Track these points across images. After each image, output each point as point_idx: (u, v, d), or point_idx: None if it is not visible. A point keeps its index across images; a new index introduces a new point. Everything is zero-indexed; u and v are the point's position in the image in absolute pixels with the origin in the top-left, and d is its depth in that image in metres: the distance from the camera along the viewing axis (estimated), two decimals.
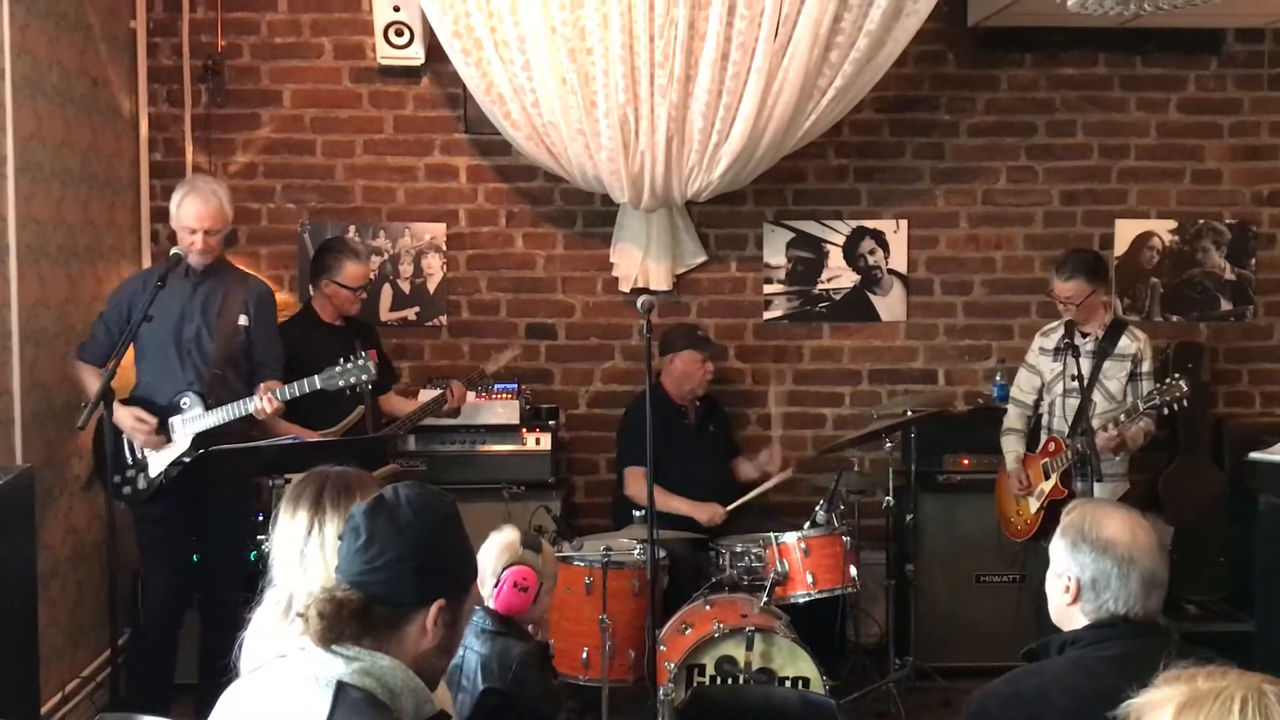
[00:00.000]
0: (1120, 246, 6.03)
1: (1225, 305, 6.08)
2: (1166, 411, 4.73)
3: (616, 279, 5.93)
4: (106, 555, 4.41)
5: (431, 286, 5.93)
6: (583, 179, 5.51)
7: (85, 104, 5.07)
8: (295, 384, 4.50)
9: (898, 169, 6.02)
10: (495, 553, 3.31)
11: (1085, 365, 4.83)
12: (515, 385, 5.64)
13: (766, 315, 6.03)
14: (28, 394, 4.49)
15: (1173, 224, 6.05)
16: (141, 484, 4.55)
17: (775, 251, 6.00)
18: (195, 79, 5.77)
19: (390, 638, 1.94)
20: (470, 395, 5.37)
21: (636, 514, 4.86)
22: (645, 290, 5.72)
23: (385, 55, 5.65)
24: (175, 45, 5.76)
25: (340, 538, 2.01)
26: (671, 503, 5.14)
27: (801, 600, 4.70)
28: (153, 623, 4.71)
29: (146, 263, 5.60)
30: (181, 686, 4.68)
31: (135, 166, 5.65)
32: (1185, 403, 4.65)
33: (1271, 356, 6.13)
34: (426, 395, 5.30)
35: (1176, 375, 4.75)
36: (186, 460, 4.52)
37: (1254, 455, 5.07)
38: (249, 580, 3.95)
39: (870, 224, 6.00)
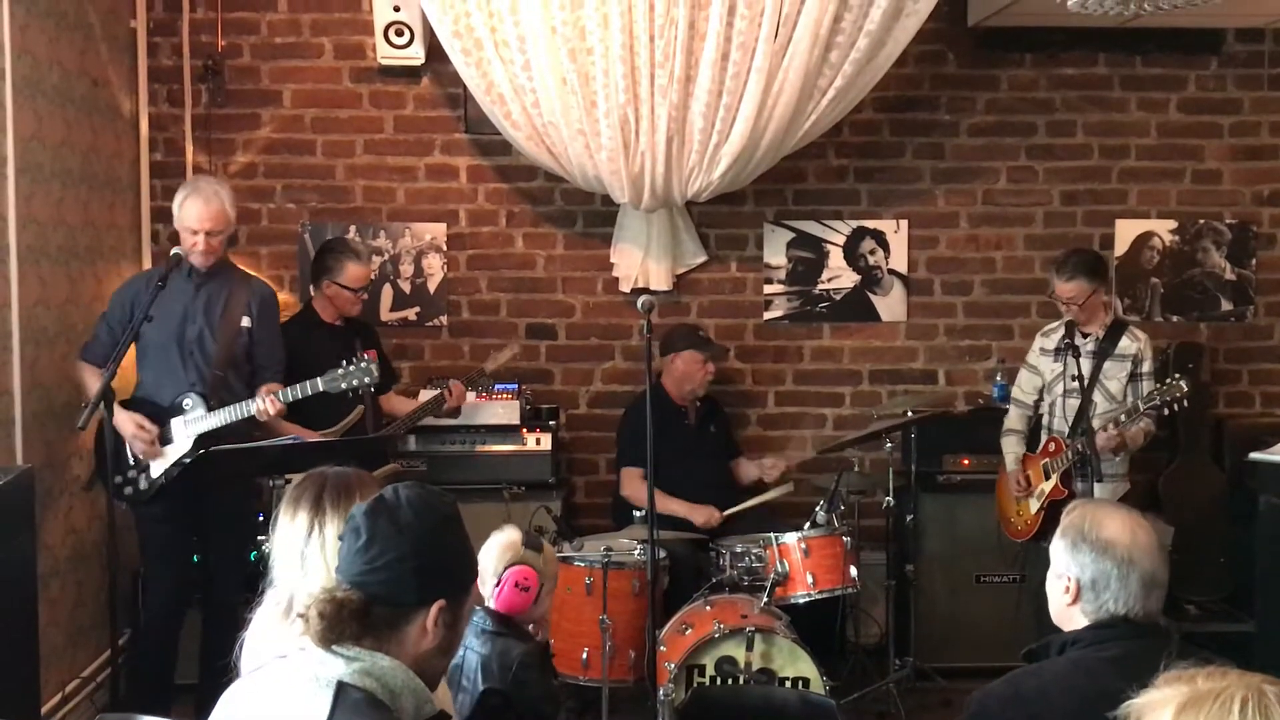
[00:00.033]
0: (1120, 246, 6.03)
1: (1225, 305, 6.08)
2: (1167, 412, 4.73)
3: (617, 279, 5.93)
4: (106, 555, 4.41)
5: (432, 286, 5.93)
6: (583, 179, 5.51)
7: (85, 104, 5.07)
8: (297, 386, 4.51)
9: (898, 169, 6.02)
10: (497, 552, 3.31)
11: (1086, 365, 4.83)
12: (516, 385, 5.64)
13: (767, 315, 6.03)
14: (28, 394, 4.49)
15: (1173, 224, 6.05)
16: (143, 485, 4.55)
17: (775, 251, 6.00)
18: (195, 79, 5.77)
19: (391, 638, 1.94)
20: (471, 395, 5.37)
21: (637, 514, 4.86)
22: (645, 290, 5.72)
23: (385, 55, 5.65)
24: (175, 45, 5.76)
25: (340, 538, 2.01)
26: (668, 504, 5.14)
27: (802, 600, 4.70)
28: (153, 623, 4.72)
29: (147, 263, 5.61)
30: (182, 687, 4.69)
31: (135, 167, 5.65)
32: (1186, 403, 4.65)
33: (1272, 357, 6.13)
34: (426, 395, 5.30)
35: (1177, 375, 4.74)
36: (187, 460, 4.52)
37: (1254, 455, 5.07)
38: (250, 580, 3.95)
39: (870, 224, 6.00)
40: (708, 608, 4.58)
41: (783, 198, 6.00)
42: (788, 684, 4.36)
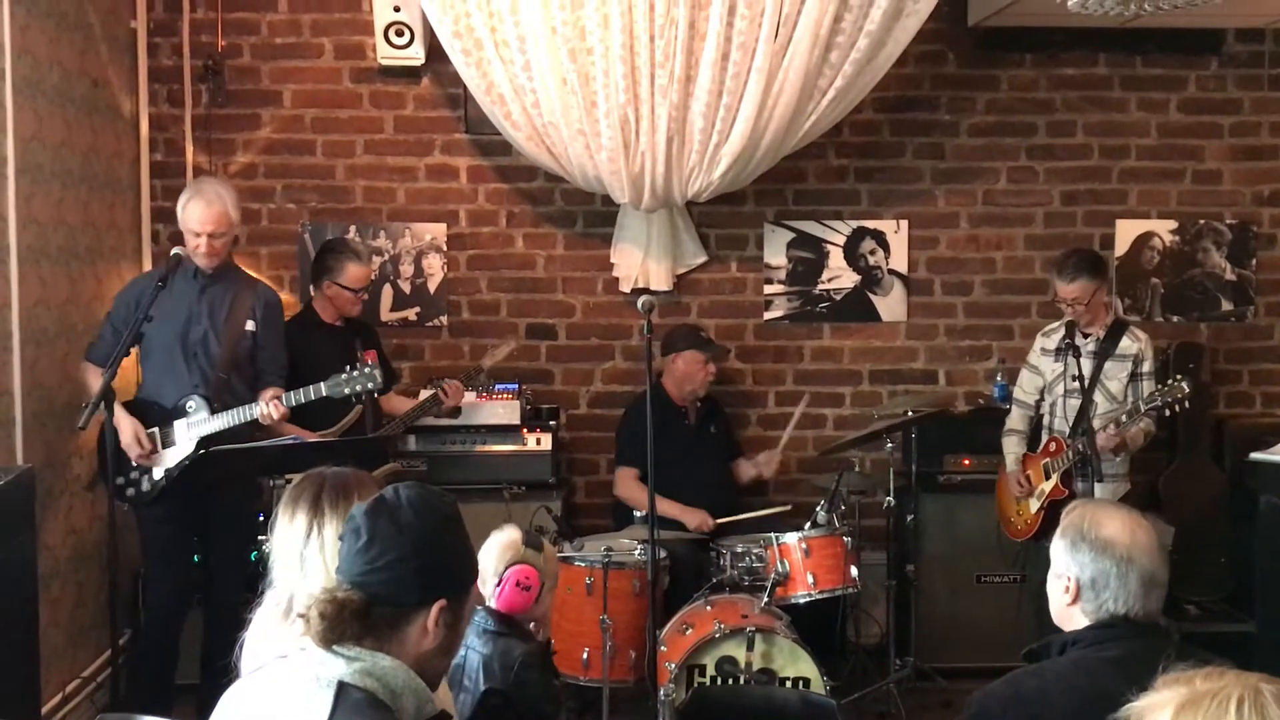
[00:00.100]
0: (1121, 247, 6.03)
1: (1226, 305, 6.08)
2: (1168, 413, 4.73)
3: (617, 279, 5.93)
4: (107, 556, 4.41)
5: (432, 287, 5.93)
6: (583, 179, 5.52)
7: (86, 104, 5.07)
8: (300, 391, 4.51)
9: (898, 169, 6.02)
10: (497, 552, 3.31)
11: (1086, 366, 4.83)
12: (516, 385, 5.64)
13: (767, 315, 6.03)
14: (28, 394, 4.50)
15: (1173, 224, 6.05)
16: (145, 486, 4.55)
17: (776, 252, 6.00)
18: (195, 79, 5.77)
19: (391, 638, 1.94)
20: (470, 395, 5.37)
21: (637, 515, 4.87)
22: (646, 290, 5.72)
23: (386, 55, 5.65)
24: (175, 45, 5.76)
25: (341, 538, 2.01)
26: (662, 505, 5.12)
27: (802, 600, 4.70)
28: (154, 623, 4.72)
29: (147, 263, 5.61)
30: (183, 687, 4.68)
31: (136, 167, 5.65)
32: (1187, 404, 4.65)
33: (1272, 357, 6.13)
34: (426, 395, 5.30)
35: (1178, 376, 4.74)
36: (188, 462, 4.52)
37: (1254, 456, 5.08)
38: (250, 581, 3.96)
39: (871, 224, 6.01)
40: (708, 608, 4.58)
41: (783, 198, 6.00)
42: (788, 684, 4.36)
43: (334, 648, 1.90)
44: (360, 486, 2.42)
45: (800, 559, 4.69)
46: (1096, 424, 4.73)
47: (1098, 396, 4.86)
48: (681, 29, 5.15)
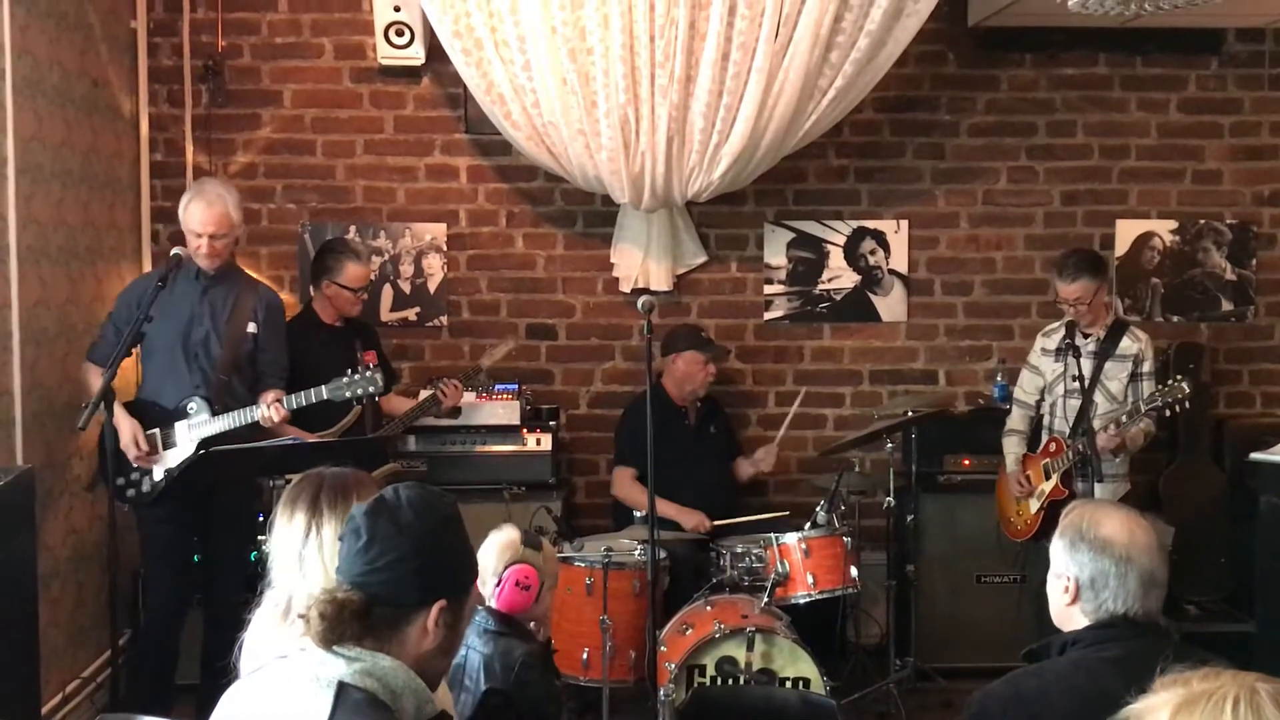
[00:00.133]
0: (1121, 247, 6.03)
1: (1226, 306, 6.08)
2: (1168, 413, 4.73)
3: (617, 279, 5.93)
4: (107, 556, 4.41)
5: (432, 287, 5.93)
6: (583, 179, 5.52)
7: (86, 104, 5.07)
8: (302, 394, 4.52)
9: (898, 169, 6.02)
10: (496, 552, 3.31)
11: (1086, 366, 4.83)
12: (516, 386, 5.64)
13: (767, 316, 6.03)
14: (28, 395, 4.50)
15: (1173, 224, 6.05)
16: (145, 487, 4.55)
17: (776, 252, 6.00)
18: (196, 79, 5.77)
19: (391, 638, 1.94)
20: (470, 395, 5.37)
21: (637, 515, 4.87)
22: (646, 290, 5.72)
23: (386, 55, 5.65)
24: (176, 45, 5.76)
25: (340, 539, 2.01)
26: (659, 506, 5.11)
27: (802, 601, 4.70)
28: (154, 623, 4.72)
29: (147, 263, 5.61)
30: (183, 687, 4.68)
31: (136, 167, 5.65)
32: (1187, 404, 4.65)
33: (1272, 357, 6.13)
34: (425, 396, 5.30)
35: (1179, 376, 4.74)
36: (187, 462, 4.52)
37: (1255, 456, 5.08)
38: (250, 581, 3.96)
39: (871, 224, 6.00)
40: (708, 608, 4.58)
41: (783, 198, 6.00)
42: (788, 684, 4.36)
43: (334, 648, 1.90)
44: (359, 487, 2.42)
45: (800, 559, 4.69)
46: (1096, 424, 4.73)
47: (1098, 397, 4.86)
48: (682, 29, 5.15)
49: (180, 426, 4.54)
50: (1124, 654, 2.35)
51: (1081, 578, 2.46)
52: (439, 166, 5.91)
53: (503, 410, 5.54)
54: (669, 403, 5.44)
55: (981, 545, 5.47)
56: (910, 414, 5.32)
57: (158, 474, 4.54)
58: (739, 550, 4.82)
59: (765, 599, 4.56)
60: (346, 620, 1.89)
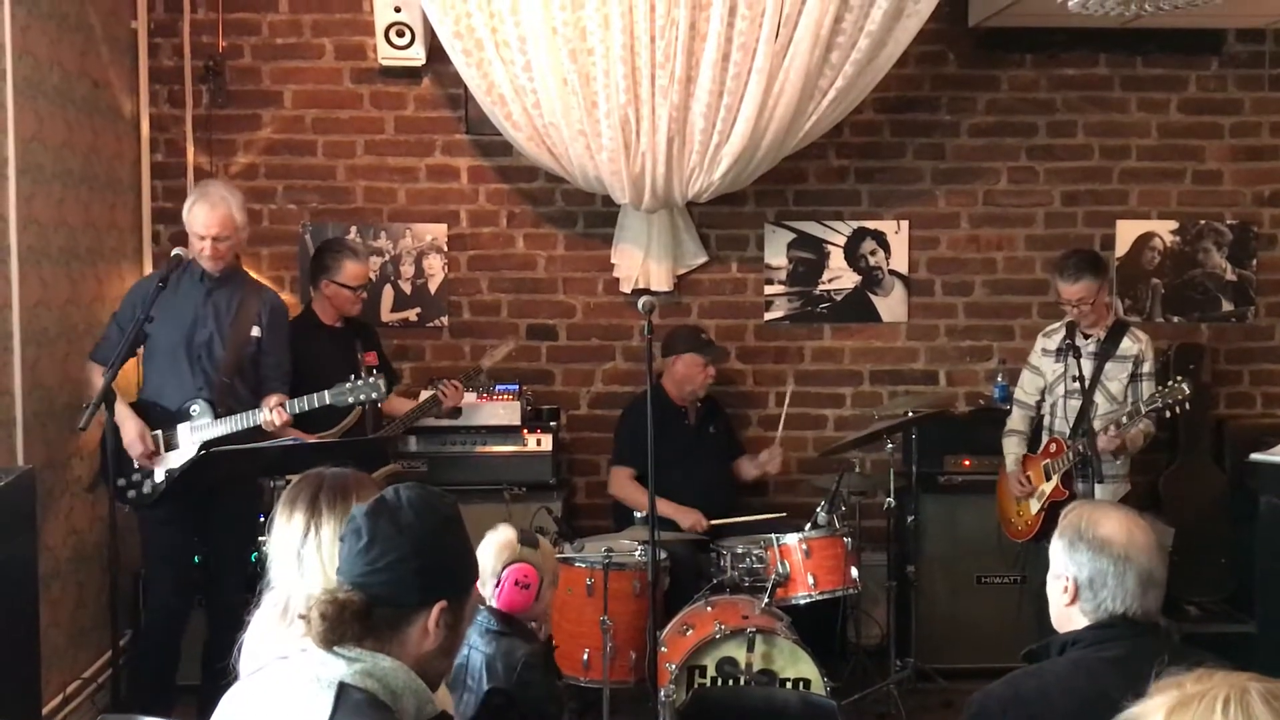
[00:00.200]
0: (1121, 247, 6.03)
1: (1226, 306, 6.08)
2: (1168, 414, 4.73)
3: (617, 280, 5.93)
4: (108, 556, 4.40)
5: (433, 287, 5.93)
6: (584, 180, 5.52)
7: (86, 105, 5.08)
8: (305, 398, 4.52)
9: (898, 170, 6.02)
10: (494, 552, 3.31)
11: (1087, 366, 4.83)
12: (516, 386, 5.64)
13: (767, 316, 6.03)
14: (29, 395, 4.50)
15: (1174, 225, 6.05)
16: (146, 489, 4.55)
17: (776, 252, 6.00)
18: (196, 80, 5.77)
19: (392, 639, 1.94)
20: (470, 396, 5.37)
21: (637, 515, 4.87)
22: (646, 291, 5.72)
23: (386, 56, 5.65)
24: (176, 46, 5.76)
25: (341, 539, 2.01)
26: (656, 505, 5.12)
27: (803, 601, 4.70)
28: (155, 624, 4.72)
29: (148, 263, 5.61)
30: (184, 688, 4.69)
31: (136, 168, 5.65)
32: (1187, 405, 4.65)
33: (1272, 357, 6.12)
34: (426, 396, 5.30)
35: (1179, 378, 4.73)
36: (188, 463, 4.53)
37: (1255, 456, 5.08)
38: (252, 581, 3.95)
39: (871, 224, 6.01)
40: (709, 609, 4.58)
41: (783, 198, 6.00)
42: (789, 685, 4.36)
43: (335, 649, 1.90)
44: (359, 487, 2.42)
45: (801, 560, 4.69)
46: (1097, 425, 4.73)
47: (1098, 397, 4.86)
48: (682, 29, 5.15)
49: (183, 428, 4.54)
50: (1123, 654, 2.35)
51: (1080, 578, 2.46)
52: (440, 167, 5.91)
53: (503, 411, 5.54)
54: (669, 403, 5.44)
55: (982, 546, 5.47)
56: (911, 414, 5.32)
57: (159, 475, 4.54)
58: (739, 551, 4.82)
59: (766, 600, 4.56)
60: (347, 621, 1.89)
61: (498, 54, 5.26)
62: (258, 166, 5.86)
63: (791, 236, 5.99)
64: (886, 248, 6.01)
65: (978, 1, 5.76)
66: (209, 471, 4.45)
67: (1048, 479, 4.89)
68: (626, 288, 5.90)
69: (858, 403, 6.03)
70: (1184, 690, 1.48)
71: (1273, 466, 4.94)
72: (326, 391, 4.51)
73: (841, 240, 5.99)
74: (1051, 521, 4.08)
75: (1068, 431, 4.88)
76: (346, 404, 4.54)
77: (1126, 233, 6.04)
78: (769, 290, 6.02)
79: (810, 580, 4.67)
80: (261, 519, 4.55)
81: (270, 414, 4.46)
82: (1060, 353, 4.95)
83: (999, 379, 5.88)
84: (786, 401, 5.61)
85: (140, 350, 4.61)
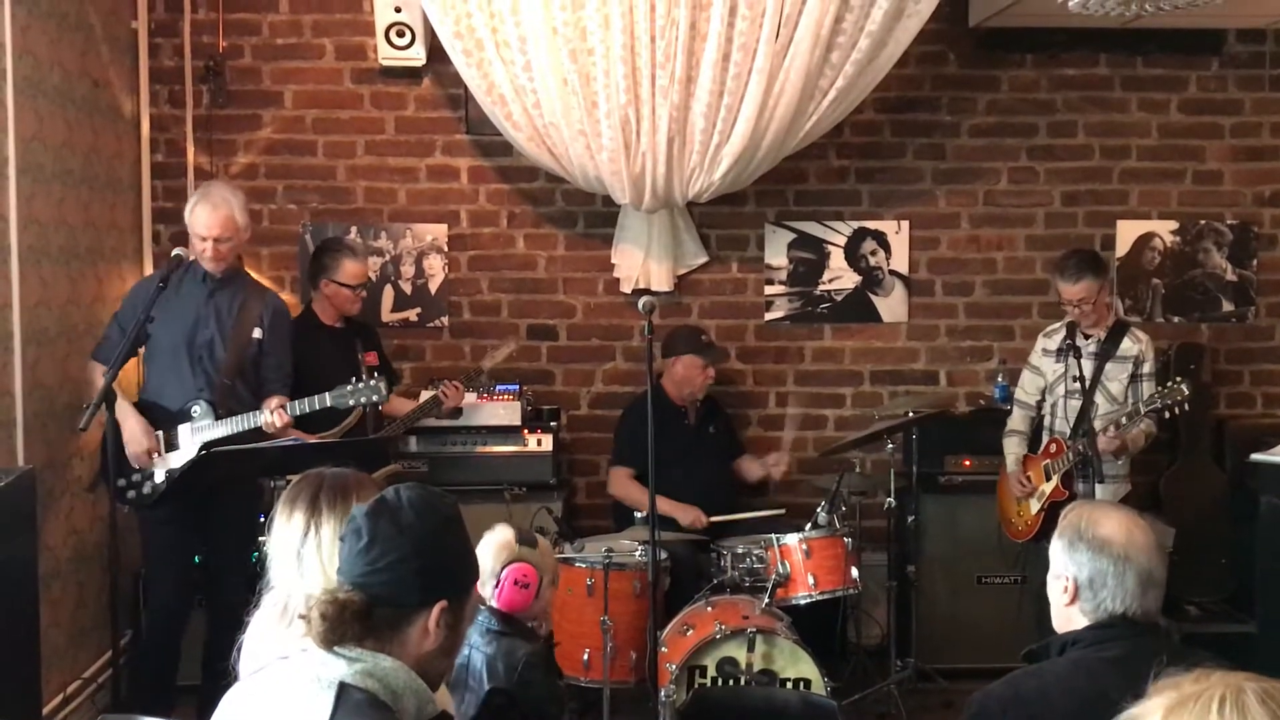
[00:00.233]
0: (1121, 247, 6.03)
1: (1227, 306, 6.08)
2: (1168, 414, 4.73)
3: (618, 280, 5.93)
4: (108, 556, 4.40)
5: (433, 287, 5.93)
6: (584, 180, 5.52)
7: (87, 105, 5.08)
8: (305, 400, 4.52)
9: (899, 170, 6.02)
10: (492, 552, 3.31)
11: (1087, 367, 4.83)
12: (516, 386, 5.64)
13: (768, 316, 6.03)
14: (29, 395, 4.50)
15: (1174, 225, 6.05)
16: (147, 489, 4.55)
17: (776, 252, 6.00)
18: (197, 80, 5.77)
19: (392, 639, 1.94)
20: (471, 396, 5.37)
21: (637, 515, 4.87)
22: (646, 291, 5.72)
23: (386, 56, 5.65)
24: (177, 46, 5.76)
25: (341, 539, 2.01)
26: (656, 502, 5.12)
27: (803, 602, 4.70)
28: (155, 624, 4.72)
29: (148, 263, 5.61)
30: (184, 688, 4.69)
31: (137, 167, 5.65)
32: (1187, 406, 4.65)
33: (1273, 358, 6.12)
34: (426, 396, 5.30)
35: (1179, 378, 4.73)
36: (189, 464, 4.53)
37: (1255, 456, 5.08)
38: (252, 581, 3.95)
39: (871, 225, 6.01)
40: (709, 609, 4.58)
41: (784, 198, 6.00)
42: (789, 685, 4.37)
43: (335, 649, 1.90)
44: (359, 487, 2.42)
45: (801, 560, 4.69)
46: (1097, 425, 4.73)
47: (1098, 398, 4.86)
48: (682, 30, 5.15)
49: (183, 429, 4.54)
50: (1123, 654, 2.35)
51: (1080, 578, 2.46)
52: (440, 167, 5.91)
53: (504, 411, 5.54)
54: (669, 403, 5.44)
55: (982, 546, 5.46)
56: (911, 414, 5.32)
57: (159, 475, 4.54)
58: (740, 551, 4.82)
59: (766, 600, 4.56)
60: (348, 621, 1.89)
61: (498, 54, 5.26)
62: (258, 166, 5.86)
63: (792, 236, 5.99)
64: (887, 248, 6.01)
65: (978, 2, 5.76)
66: (209, 471, 4.46)
67: (1048, 479, 4.89)
68: (627, 288, 5.90)
69: (858, 403, 6.03)
70: (1181, 691, 1.48)
71: (1273, 466, 4.94)
72: (327, 394, 4.51)
73: (842, 240, 5.99)
74: (1052, 522, 4.08)
75: (1068, 432, 4.88)
76: (347, 406, 4.54)
77: (1127, 233, 6.04)
78: (769, 290, 6.02)
79: (810, 580, 4.67)
80: (262, 519, 4.55)
81: (271, 415, 4.46)
82: (1061, 353, 4.95)
83: (999, 379, 5.88)
84: (789, 418, 5.60)
85: (141, 350, 4.61)
